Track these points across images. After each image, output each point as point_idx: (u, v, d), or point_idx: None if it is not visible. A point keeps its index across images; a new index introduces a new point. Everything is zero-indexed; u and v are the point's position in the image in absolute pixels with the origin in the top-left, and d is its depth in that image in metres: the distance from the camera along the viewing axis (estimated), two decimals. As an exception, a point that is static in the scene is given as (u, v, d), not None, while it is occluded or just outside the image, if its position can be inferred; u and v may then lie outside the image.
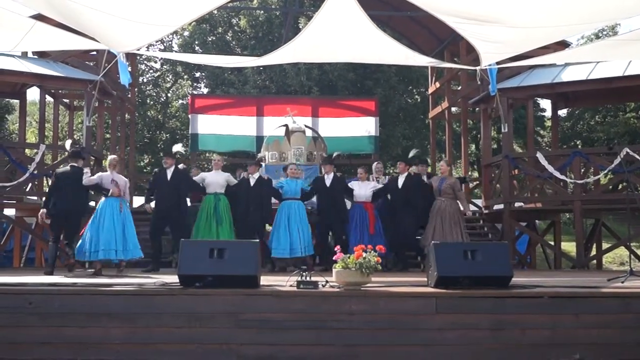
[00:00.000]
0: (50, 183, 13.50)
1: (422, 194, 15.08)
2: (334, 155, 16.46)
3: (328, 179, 15.17)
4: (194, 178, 14.78)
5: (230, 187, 14.88)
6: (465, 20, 10.79)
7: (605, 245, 20.68)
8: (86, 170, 13.59)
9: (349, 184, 15.50)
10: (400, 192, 15.06)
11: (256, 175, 14.76)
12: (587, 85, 18.44)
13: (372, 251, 8.82)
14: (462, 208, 14.89)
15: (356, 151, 23.48)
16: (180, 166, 14.84)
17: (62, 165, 13.80)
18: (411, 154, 16.16)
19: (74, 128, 26.12)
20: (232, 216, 14.70)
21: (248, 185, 14.71)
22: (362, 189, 15.25)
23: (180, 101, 41.30)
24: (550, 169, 16.02)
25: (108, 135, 25.10)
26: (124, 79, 14.33)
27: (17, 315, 8.27)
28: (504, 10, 10.36)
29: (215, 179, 14.78)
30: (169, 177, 14.39)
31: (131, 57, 20.39)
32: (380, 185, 15.52)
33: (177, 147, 14.99)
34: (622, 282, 9.90)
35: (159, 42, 39.21)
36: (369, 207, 15.15)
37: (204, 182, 14.71)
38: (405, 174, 15.20)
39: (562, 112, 35.24)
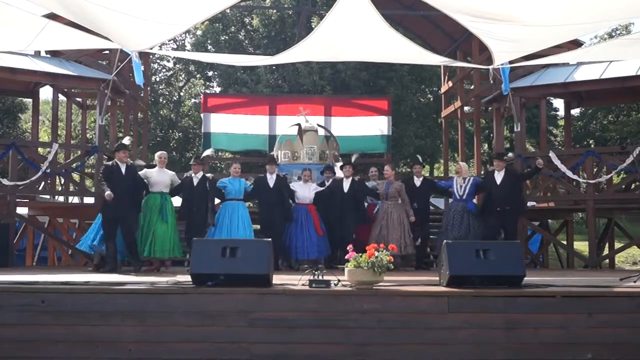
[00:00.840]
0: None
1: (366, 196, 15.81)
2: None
3: (271, 180, 14.92)
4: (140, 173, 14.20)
5: (174, 186, 14.45)
6: (478, 19, 10.78)
7: (617, 245, 20.67)
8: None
9: (291, 185, 15.47)
10: (346, 195, 15.07)
11: (199, 175, 14.32)
12: (600, 84, 18.37)
13: (385, 250, 8.82)
14: (410, 215, 15.19)
15: (369, 150, 23.44)
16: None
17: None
18: (353, 158, 16.16)
19: (87, 127, 26.08)
20: (182, 216, 14.46)
21: (191, 184, 14.33)
22: (305, 190, 15.21)
23: (193, 100, 41.34)
24: (562, 168, 16.00)
25: (121, 134, 25.10)
26: (139, 78, 14.38)
27: (30, 313, 8.29)
28: (517, 8, 10.35)
29: (161, 178, 14.19)
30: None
31: (144, 56, 20.42)
32: (321, 188, 15.46)
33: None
34: (635, 282, 9.86)
35: (172, 41, 39.32)
36: (312, 209, 15.15)
37: (148, 181, 14.06)
38: (351, 178, 15.24)
39: (575, 112, 35.20)
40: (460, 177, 15.11)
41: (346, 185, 15.11)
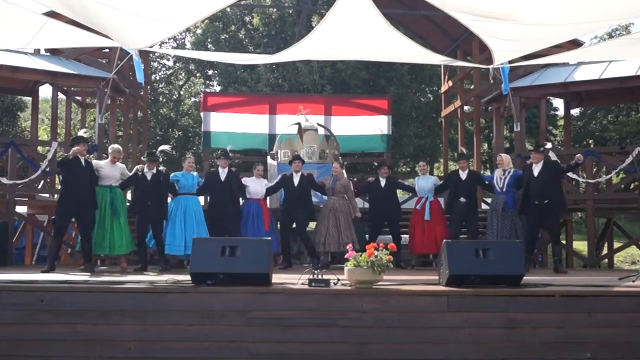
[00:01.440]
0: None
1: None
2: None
3: (222, 174, 14.67)
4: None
5: (124, 180, 13.94)
6: (478, 18, 10.78)
7: (616, 245, 20.71)
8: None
9: (243, 180, 15.21)
10: (296, 189, 15.05)
11: (154, 170, 13.79)
12: (600, 84, 18.40)
13: (384, 249, 8.82)
14: (356, 212, 15.43)
15: (369, 150, 23.42)
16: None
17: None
18: (301, 153, 16.77)
19: (86, 125, 26.06)
20: (134, 211, 14.05)
21: (144, 179, 13.76)
22: (257, 186, 15.14)
23: (193, 99, 41.30)
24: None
25: (120, 133, 25.14)
26: (139, 77, 14.39)
27: (29, 312, 8.30)
28: (517, 7, 10.34)
29: (113, 172, 13.65)
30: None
31: (144, 54, 20.43)
32: (273, 184, 15.54)
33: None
34: (634, 281, 9.88)
35: (172, 40, 39.30)
36: (264, 204, 15.17)
37: (98, 173, 13.34)
38: (300, 172, 15.22)
39: (575, 112, 35.19)
40: (501, 169, 14.77)
41: (296, 179, 15.11)
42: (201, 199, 15.38)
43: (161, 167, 14.10)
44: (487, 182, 15.54)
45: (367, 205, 16.63)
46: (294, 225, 15.17)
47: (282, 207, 15.79)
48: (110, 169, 13.67)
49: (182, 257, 14.38)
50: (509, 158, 15.13)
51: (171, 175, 14.43)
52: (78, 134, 13.98)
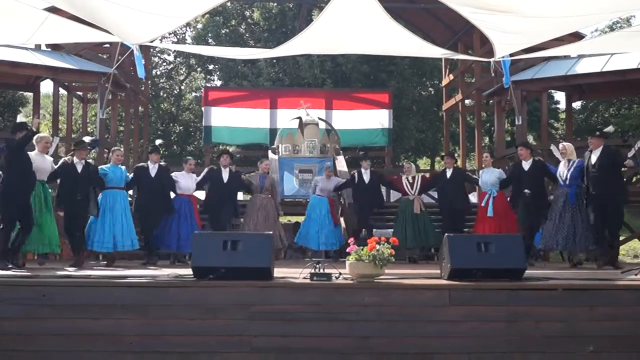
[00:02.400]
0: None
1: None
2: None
3: (153, 169, 14.22)
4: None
5: (52, 172, 12.61)
6: (479, 10, 10.78)
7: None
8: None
9: (173, 175, 14.74)
10: (225, 186, 14.97)
11: (83, 162, 12.97)
12: (601, 77, 18.40)
13: (386, 243, 8.81)
14: (279, 210, 15.83)
15: (370, 144, 23.49)
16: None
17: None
18: (232, 149, 16.51)
19: (88, 121, 26.12)
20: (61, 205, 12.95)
21: (74, 171, 12.79)
22: (188, 181, 14.77)
23: (194, 94, 41.31)
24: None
25: (122, 128, 25.15)
26: (140, 72, 14.38)
27: (31, 307, 8.28)
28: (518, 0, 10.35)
29: (43, 165, 12.21)
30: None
31: (144, 49, 20.45)
32: (200, 178, 15.18)
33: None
34: (636, 275, 9.85)
35: (172, 35, 39.28)
36: (194, 200, 14.92)
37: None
38: (228, 168, 15.14)
39: (576, 105, 35.14)
40: (565, 159, 13.66)
41: (225, 175, 15.01)
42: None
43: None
44: (552, 173, 14.43)
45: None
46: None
47: (205, 201, 15.55)
48: (41, 162, 12.20)
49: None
50: (572, 147, 13.93)
51: (99, 168, 13.78)
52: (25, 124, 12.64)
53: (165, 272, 9.85)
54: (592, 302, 8.44)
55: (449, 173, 15.50)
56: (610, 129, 13.93)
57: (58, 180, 12.88)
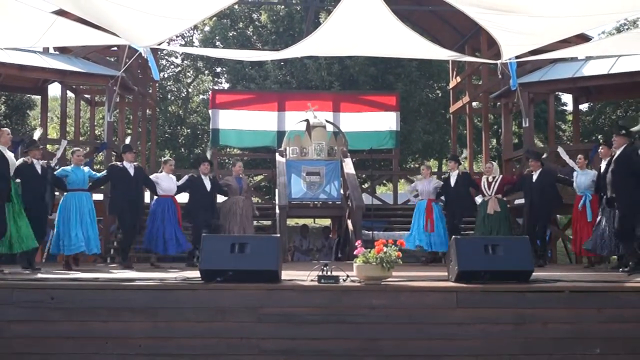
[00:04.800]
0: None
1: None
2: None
3: (130, 168, 14.00)
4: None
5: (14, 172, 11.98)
6: (486, 11, 10.79)
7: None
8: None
9: (153, 177, 14.72)
10: (208, 194, 14.96)
11: (43, 162, 12.92)
12: (608, 79, 18.35)
13: (393, 245, 8.82)
14: (255, 211, 15.83)
15: (377, 146, 23.45)
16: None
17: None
18: (208, 154, 16.83)
19: (95, 123, 26.16)
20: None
21: (33, 171, 12.58)
22: (170, 182, 14.62)
23: (201, 96, 41.29)
24: (571, 163, 15.89)
25: (129, 131, 25.18)
26: (155, 74, 14.41)
27: (40, 310, 8.33)
28: (525, 0, 10.37)
29: (14, 163, 11.87)
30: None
31: (152, 52, 20.47)
32: (180, 184, 14.97)
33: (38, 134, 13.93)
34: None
35: (180, 38, 39.33)
36: (176, 200, 14.70)
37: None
38: (208, 177, 15.13)
39: (584, 107, 35.04)
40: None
41: (207, 182, 14.94)
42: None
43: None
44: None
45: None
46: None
47: (188, 209, 15.11)
48: (12, 160, 11.82)
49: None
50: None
51: (58, 170, 13.52)
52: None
53: (173, 275, 9.87)
54: (599, 304, 8.46)
55: (453, 178, 15.45)
56: (638, 128, 13.31)
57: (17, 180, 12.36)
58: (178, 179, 14.97)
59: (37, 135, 13.86)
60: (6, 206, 11.35)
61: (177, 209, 14.57)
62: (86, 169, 13.78)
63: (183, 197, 15.02)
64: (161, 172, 14.84)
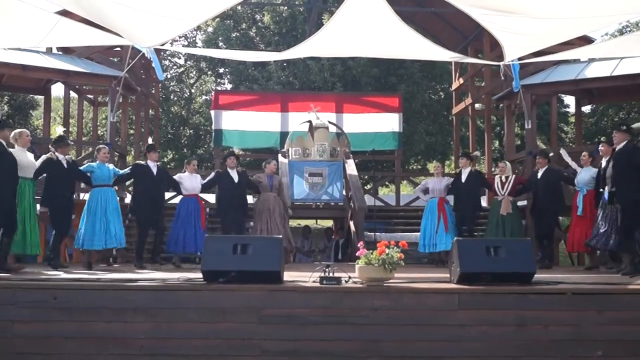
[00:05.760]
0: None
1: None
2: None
3: (154, 168, 14.09)
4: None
5: (37, 169, 12.23)
6: (488, 12, 10.79)
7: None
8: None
9: (177, 177, 14.77)
10: (236, 187, 14.95)
11: (69, 158, 13.14)
12: (611, 81, 18.35)
13: (395, 247, 8.83)
14: (288, 209, 15.70)
15: (380, 147, 23.47)
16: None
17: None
18: (236, 150, 17.21)
19: (98, 124, 26.23)
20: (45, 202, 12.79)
21: (61, 167, 12.64)
22: (193, 181, 14.72)
23: (204, 97, 41.29)
24: (573, 165, 15.90)
25: (132, 131, 25.21)
26: (159, 74, 14.43)
27: (42, 310, 8.34)
28: (528, 1, 10.37)
29: (29, 160, 12.01)
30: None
31: (155, 52, 20.50)
32: (207, 181, 15.16)
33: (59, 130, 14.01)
34: (646, 279, 9.86)
35: (183, 38, 39.33)
36: (201, 200, 14.82)
37: (19, 164, 11.42)
38: (235, 170, 15.10)
39: (586, 109, 35.08)
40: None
41: (234, 176, 14.93)
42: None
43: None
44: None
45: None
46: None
47: (218, 206, 15.27)
48: (28, 158, 12.03)
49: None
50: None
51: (84, 165, 13.75)
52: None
53: (175, 276, 9.88)
54: (601, 306, 8.46)
55: (464, 175, 15.45)
56: (639, 125, 13.26)
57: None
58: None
59: (60, 130, 13.97)
60: (22, 206, 11.61)
61: (201, 208, 14.63)
62: (111, 166, 13.95)
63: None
64: (184, 172, 14.89)
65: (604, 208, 12.20)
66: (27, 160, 11.88)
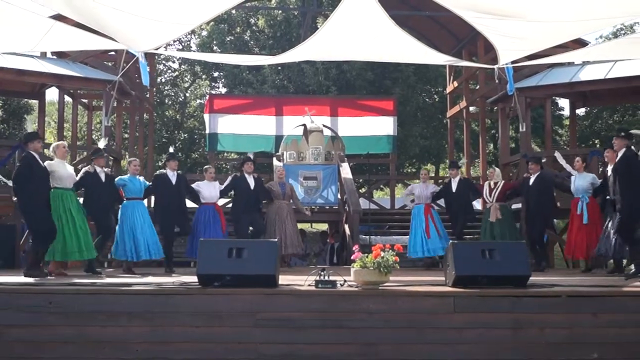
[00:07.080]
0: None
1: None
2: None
3: (173, 177, 14.00)
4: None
5: (77, 180, 12.49)
6: (482, 15, 10.80)
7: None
8: None
9: (195, 185, 14.78)
10: (252, 193, 15.02)
11: (108, 170, 13.60)
12: (605, 84, 18.41)
13: (390, 250, 8.84)
14: (305, 211, 15.99)
15: (374, 151, 23.50)
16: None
17: None
18: (251, 155, 16.53)
19: (93, 128, 26.19)
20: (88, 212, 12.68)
21: (98, 179, 12.83)
22: (211, 189, 14.68)
23: (199, 101, 41.35)
24: (568, 167, 15.91)
25: (126, 135, 25.21)
26: (145, 79, 14.40)
27: (38, 314, 8.33)
28: (522, 4, 10.38)
29: (68, 172, 12.18)
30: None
31: (150, 57, 20.48)
32: (224, 186, 15.10)
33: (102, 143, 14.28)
34: (641, 281, 9.87)
35: (177, 42, 39.33)
36: (219, 208, 14.78)
37: (53, 175, 11.62)
38: (252, 175, 15.16)
39: (580, 111, 35.11)
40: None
41: (251, 181, 14.97)
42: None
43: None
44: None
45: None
46: (251, 229, 14.95)
47: (233, 211, 15.28)
48: (65, 169, 12.16)
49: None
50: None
51: (117, 179, 13.73)
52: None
53: (170, 280, 9.88)
54: (596, 309, 8.48)
55: (454, 184, 15.51)
56: (637, 131, 13.26)
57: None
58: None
59: (102, 144, 14.17)
60: (64, 214, 11.75)
61: (220, 216, 14.57)
62: (141, 178, 13.98)
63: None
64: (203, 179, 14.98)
65: (612, 216, 12.26)
66: (66, 172, 12.05)
